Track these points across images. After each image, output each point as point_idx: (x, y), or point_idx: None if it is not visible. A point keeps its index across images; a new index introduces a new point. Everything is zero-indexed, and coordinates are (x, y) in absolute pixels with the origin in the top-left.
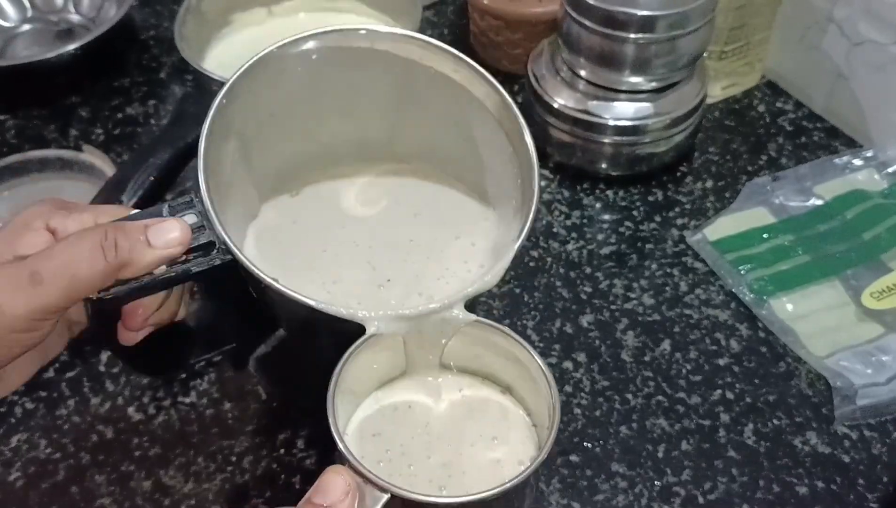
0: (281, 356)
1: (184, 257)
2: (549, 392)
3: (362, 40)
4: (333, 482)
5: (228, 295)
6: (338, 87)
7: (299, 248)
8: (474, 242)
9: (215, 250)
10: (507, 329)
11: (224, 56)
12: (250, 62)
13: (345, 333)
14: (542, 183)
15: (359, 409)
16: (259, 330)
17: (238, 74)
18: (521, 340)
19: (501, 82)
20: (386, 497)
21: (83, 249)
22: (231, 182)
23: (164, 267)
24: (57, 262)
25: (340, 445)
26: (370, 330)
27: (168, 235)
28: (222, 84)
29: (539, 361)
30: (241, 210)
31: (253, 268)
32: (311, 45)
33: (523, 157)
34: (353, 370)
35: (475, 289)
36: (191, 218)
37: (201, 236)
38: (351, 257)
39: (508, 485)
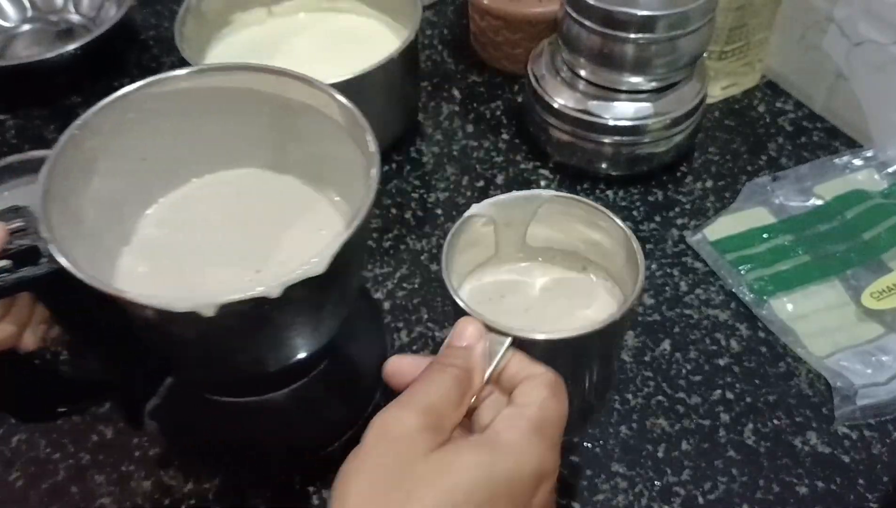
0: (176, 406)
1: (12, 266)
2: (630, 244)
3: (218, 79)
4: (468, 328)
5: (94, 334)
6: (215, 128)
7: (167, 262)
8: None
9: (45, 259)
10: (584, 199)
11: (224, 56)
12: (107, 100)
13: (233, 365)
14: (379, 182)
15: (459, 291)
16: (146, 379)
17: (93, 110)
18: (599, 206)
19: (501, 83)
20: (509, 339)
21: None
22: (97, 223)
23: None
24: None
25: (459, 302)
26: (467, 213)
27: None
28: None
29: (619, 221)
30: (107, 243)
31: (71, 268)
32: (170, 87)
33: (369, 158)
34: (453, 250)
35: (301, 273)
36: (14, 224)
37: (25, 239)
38: (218, 257)
39: (616, 316)
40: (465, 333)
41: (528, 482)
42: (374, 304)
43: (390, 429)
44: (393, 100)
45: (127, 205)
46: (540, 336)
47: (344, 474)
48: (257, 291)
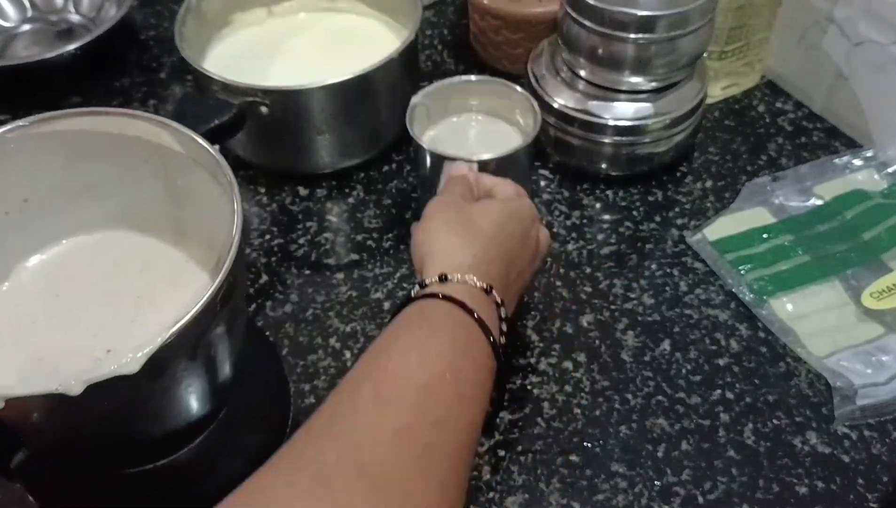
0: (44, 462)
1: None
2: (531, 103)
3: (96, 123)
4: (458, 164)
5: None
6: (104, 178)
7: (26, 322)
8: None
9: None
10: (495, 78)
11: (224, 56)
12: None
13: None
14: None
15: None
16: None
17: None
18: (503, 80)
19: None
20: (476, 163)
21: None
22: None
23: None
24: None
25: (446, 154)
26: (411, 102)
27: None
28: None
29: (518, 88)
30: None
31: None
32: (47, 128)
33: (231, 230)
34: (412, 125)
35: (108, 373)
36: None
37: None
38: (77, 327)
39: (526, 141)
40: (458, 167)
41: (528, 217)
42: (265, 338)
43: (441, 200)
44: (393, 100)
45: (5, 245)
46: (487, 156)
47: (421, 230)
48: (52, 388)
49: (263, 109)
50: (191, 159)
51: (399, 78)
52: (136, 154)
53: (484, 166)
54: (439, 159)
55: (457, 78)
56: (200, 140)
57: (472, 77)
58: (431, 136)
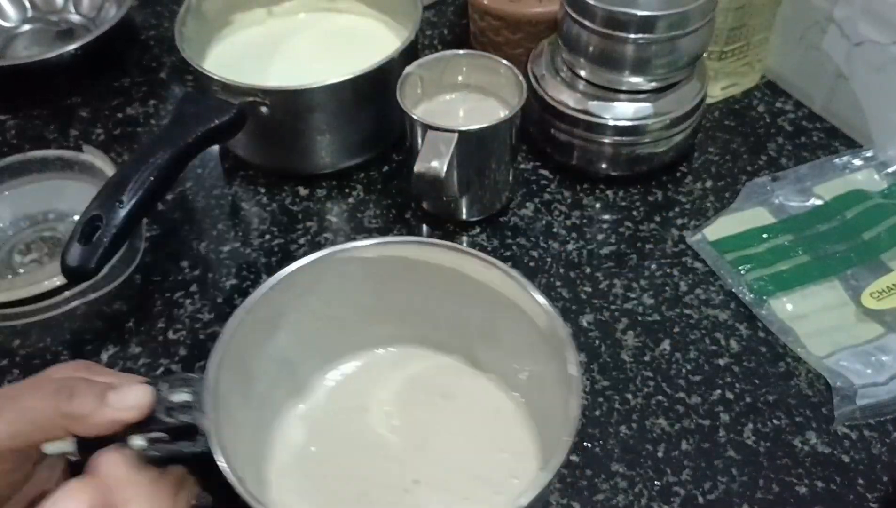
0: None
1: (168, 438)
2: (519, 79)
3: (410, 250)
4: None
5: None
6: (419, 298)
7: (327, 438)
8: (516, 473)
9: (202, 437)
10: (483, 52)
11: (224, 56)
12: (309, 259)
13: None
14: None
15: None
16: None
17: (296, 267)
18: (493, 55)
19: None
20: (455, 135)
21: (44, 391)
22: (271, 378)
23: (142, 442)
24: (19, 399)
25: (424, 119)
26: (405, 72)
27: (128, 398)
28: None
29: (505, 62)
30: (278, 398)
31: (228, 471)
32: (359, 252)
33: (567, 384)
34: (403, 95)
35: None
36: (180, 395)
37: (184, 415)
38: (380, 452)
39: (508, 115)
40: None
41: None
42: None
43: None
44: (393, 100)
45: (307, 361)
46: (476, 126)
47: None
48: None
49: (263, 109)
50: (519, 309)
51: (399, 78)
52: (465, 287)
53: (466, 138)
54: (423, 128)
55: (449, 52)
56: (537, 295)
57: (461, 51)
58: (422, 110)
